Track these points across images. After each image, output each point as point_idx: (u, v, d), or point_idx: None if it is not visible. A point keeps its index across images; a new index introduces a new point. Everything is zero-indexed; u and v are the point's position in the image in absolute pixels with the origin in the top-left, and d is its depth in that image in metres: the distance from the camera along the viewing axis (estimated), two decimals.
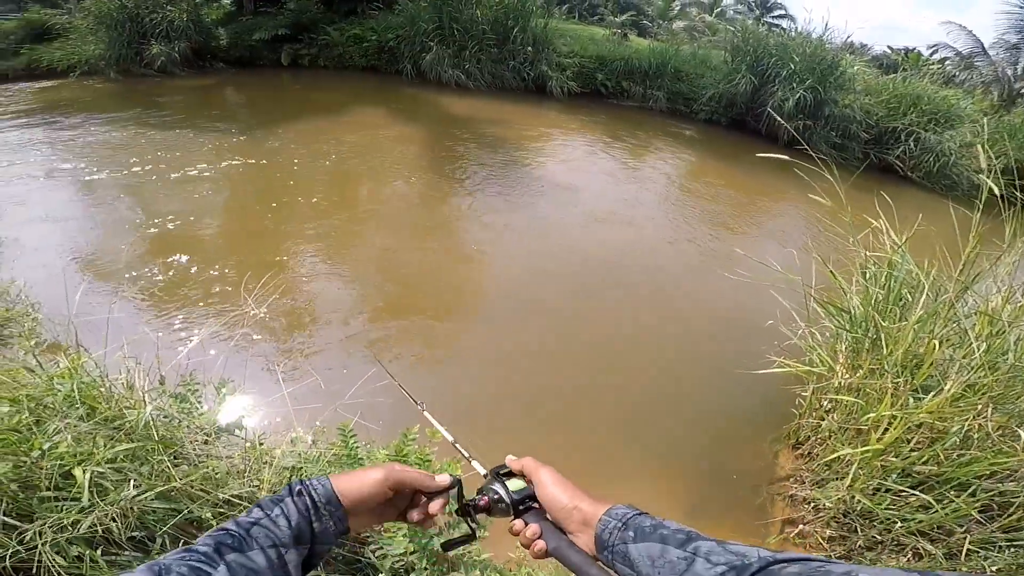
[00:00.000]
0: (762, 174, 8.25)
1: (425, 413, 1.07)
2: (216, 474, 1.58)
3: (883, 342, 2.72)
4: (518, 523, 0.73)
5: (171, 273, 4.24)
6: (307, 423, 2.33)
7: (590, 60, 11.56)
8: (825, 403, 2.98)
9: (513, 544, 2.07)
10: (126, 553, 1.36)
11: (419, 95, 10.68)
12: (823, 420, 2.93)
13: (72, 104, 8.59)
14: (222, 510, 1.52)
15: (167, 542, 1.41)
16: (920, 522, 2.23)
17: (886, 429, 2.39)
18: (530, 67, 11.24)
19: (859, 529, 2.43)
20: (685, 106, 11.21)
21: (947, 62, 14.42)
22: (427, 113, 9.72)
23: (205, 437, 1.79)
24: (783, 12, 23.31)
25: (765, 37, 10.75)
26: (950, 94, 10.08)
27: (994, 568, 2.04)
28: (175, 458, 1.57)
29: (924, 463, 2.30)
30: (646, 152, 9.03)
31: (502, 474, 0.79)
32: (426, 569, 1.56)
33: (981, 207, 2.58)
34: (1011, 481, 2.22)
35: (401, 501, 0.77)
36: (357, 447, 1.85)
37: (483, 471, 0.85)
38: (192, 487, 1.48)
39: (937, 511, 2.17)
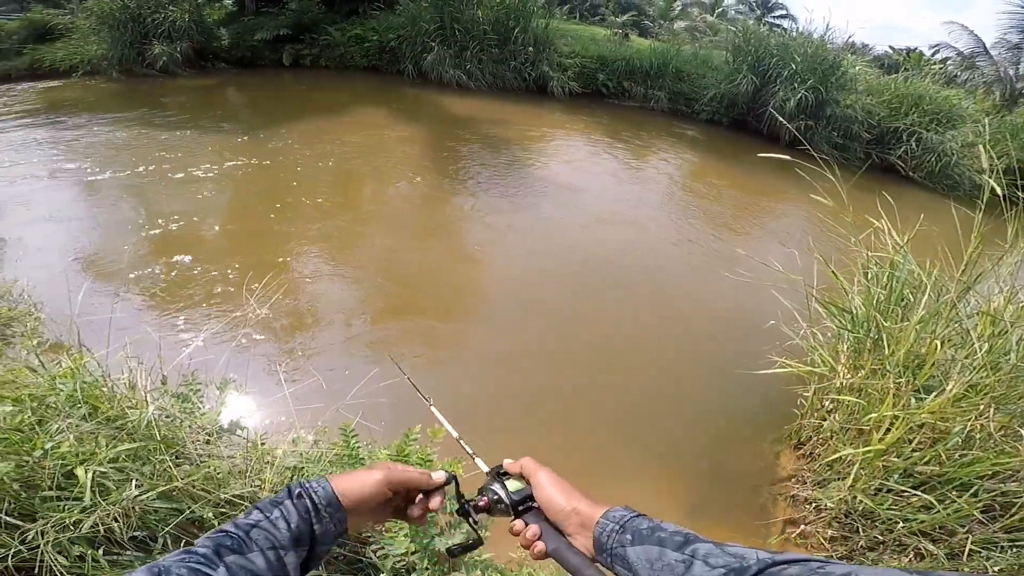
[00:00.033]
0: (764, 174, 8.23)
1: (432, 409, 1.08)
2: (218, 474, 1.58)
3: (885, 342, 2.71)
4: (518, 523, 0.73)
5: (174, 273, 4.25)
6: (309, 423, 2.33)
7: (591, 60, 11.55)
8: (827, 403, 2.98)
9: (514, 544, 2.08)
10: (128, 553, 1.36)
11: (421, 95, 10.69)
12: (825, 420, 2.92)
13: (75, 104, 8.62)
14: (223, 510, 1.52)
15: (169, 542, 1.41)
16: (922, 522, 2.22)
17: (888, 429, 2.39)
18: (531, 67, 11.24)
19: (861, 529, 2.43)
20: (686, 106, 11.19)
21: (949, 62, 14.38)
22: (429, 113, 9.73)
23: (207, 437, 1.79)
24: (784, 12, 23.26)
25: (766, 37, 10.74)
26: (952, 94, 10.07)
27: (996, 568, 2.04)
28: (177, 458, 1.57)
29: (926, 463, 2.29)
30: (648, 152, 9.02)
31: (500, 474, 0.79)
32: (427, 569, 1.57)
33: (983, 207, 2.58)
34: (1013, 481, 2.21)
35: (398, 499, 0.77)
36: (359, 447, 1.85)
37: (486, 469, 0.85)
38: (194, 487, 1.48)
39: (939, 511, 2.16)
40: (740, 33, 11.05)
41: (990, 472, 2.20)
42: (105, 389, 1.66)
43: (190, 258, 4.44)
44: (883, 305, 2.92)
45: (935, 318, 2.66)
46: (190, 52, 10.81)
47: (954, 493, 2.20)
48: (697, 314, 4.56)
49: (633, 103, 11.52)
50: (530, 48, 11.17)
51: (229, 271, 4.30)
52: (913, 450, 2.35)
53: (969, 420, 2.22)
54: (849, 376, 2.84)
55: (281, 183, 6.15)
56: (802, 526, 2.63)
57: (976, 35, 13.53)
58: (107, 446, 1.41)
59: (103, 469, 1.36)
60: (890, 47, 21.66)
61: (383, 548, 1.59)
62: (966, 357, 2.46)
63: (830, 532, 2.52)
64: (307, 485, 0.69)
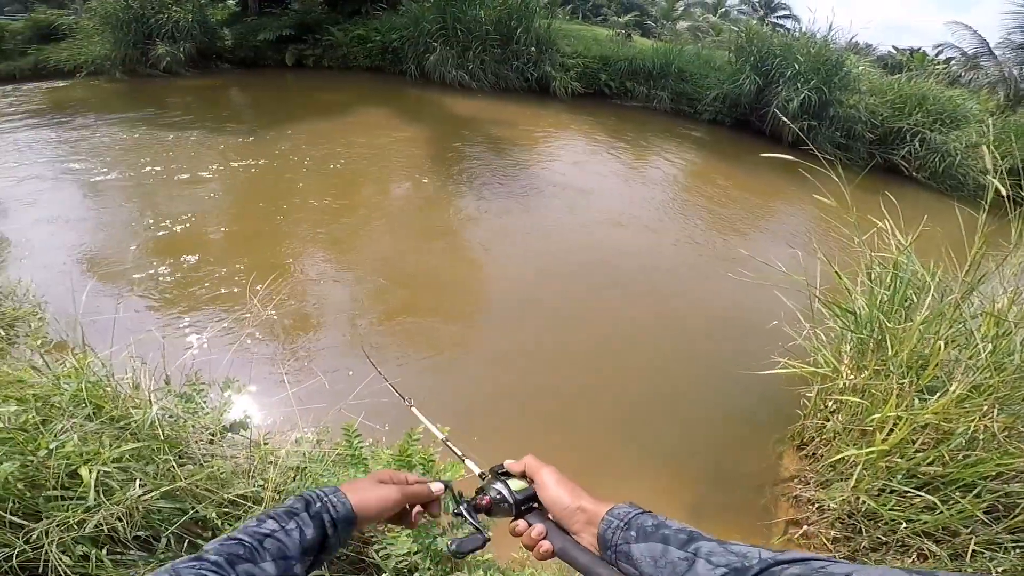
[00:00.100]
0: (767, 174, 8.22)
1: (413, 409, 1.06)
2: (221, 474, 1.58)
3: (888, 343, 2.70)
4: (521, 523, 0.73)
5: (178, 274, 4.26)
6: (312, 423, 2.34)
7: (594, 60, 11.55)
8: (830, 404, 2.97)
9: (516, 545, 2.08)
10: (132, 552, 1.37)
11: (423, 96, 10.71)
12: (828, 421, 2.91)
13: (80, 104, 8.66)
14: (227, 510, 1.53)
15: (172, 542, 1.41)
16: (925, 523, 2.22)
17: (891, 430, 2.38)
18: (534, 68, 11.24)
19: (864, 530, 2.42)
20: (689, 106, 11.18)
21: (952, 62, 14.32)
22: (432, 114, 9.74)
23: (210, 437, 1.80)
24: (787, 12, 23.25)
25: (769, 37, 10.71)
26: (955, 94, 10.04)
27: (999, 569, 2.03)
28: (180, 458, 1.58)
29: (929, 464, 2.29)
30: (650, 152, 9.01)
31: (501, 474, 0.79)
32: (429, 569, 1.57)
33: (987, 208, 2.56)
34: (1017, 482, 2.20)
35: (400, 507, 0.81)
36: (361, 447, 1.86)
37: (477, 469, 0.86)
38: (197, 487, 1.49)
39: (942, 512, 2.16)
40: (743, 33, 11.03)
41: (994, 473, 2.20)
42: (109, 389, 1.67)
43: (195, 258, 4.45)
44: (886, 306, 2.91)
45: (939, 319, 2.65)
46: (193, 52, 10.85)
47: (957, 494, 2.19)
48: (698, 314, 4.55)
49: (636, 103, 11.51)
50: (532, 48, 11.17)
51: (234, 272, 4.31)
52: (916, 451, 2.34)
53: (973, 421, 2.21)
54: (852, 377, 2.83)
55: (286, 184, 6.16)
56: (805, 527, 2.62)
57: (980, 35, 13.47)
58: (111, 446, 1.42)
59: (107, 469, 1.36)
60: (893, 47, 21.61)
61: (385, 548, 1.59)
62: (970, 358, 2.45)
63: (833, 533, 2.51)
64: (326, 500, 0.70)
